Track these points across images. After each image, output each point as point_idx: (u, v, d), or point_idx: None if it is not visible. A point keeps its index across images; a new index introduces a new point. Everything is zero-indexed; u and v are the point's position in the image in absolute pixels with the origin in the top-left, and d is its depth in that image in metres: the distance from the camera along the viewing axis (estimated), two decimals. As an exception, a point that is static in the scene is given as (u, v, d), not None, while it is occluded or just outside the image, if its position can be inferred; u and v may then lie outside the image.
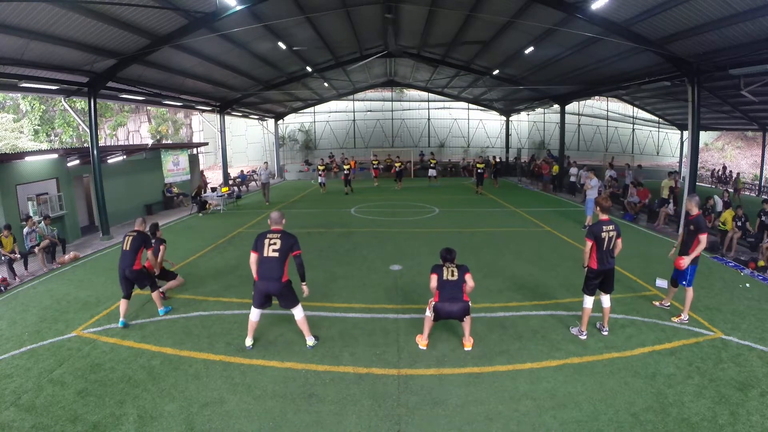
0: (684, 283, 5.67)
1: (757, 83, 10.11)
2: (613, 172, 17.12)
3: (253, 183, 22.62)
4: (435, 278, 4.80)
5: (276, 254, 4.69)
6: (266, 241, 4.75)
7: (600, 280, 5.14)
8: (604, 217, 5.12)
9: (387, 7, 12.68)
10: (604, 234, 4.98)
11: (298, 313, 4.92)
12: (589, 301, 5.13)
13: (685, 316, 5.66)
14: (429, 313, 4.88)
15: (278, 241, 4.73)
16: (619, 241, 5.13)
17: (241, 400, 4.07)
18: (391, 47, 14.90)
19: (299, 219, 13.17)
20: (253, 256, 4.82)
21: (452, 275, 4.75)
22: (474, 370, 4.56)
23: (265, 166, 17.23)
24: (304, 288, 4.92)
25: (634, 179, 14.85)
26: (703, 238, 5.46)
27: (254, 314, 4.92)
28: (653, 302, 6.22)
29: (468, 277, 4.78)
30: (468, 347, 4.96)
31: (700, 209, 5.80)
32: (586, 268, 5.20)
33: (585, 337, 5.15)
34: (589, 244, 5.04)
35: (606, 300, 5.24)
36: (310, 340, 5.03)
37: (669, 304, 6.07)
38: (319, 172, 19.38)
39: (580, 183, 17.30)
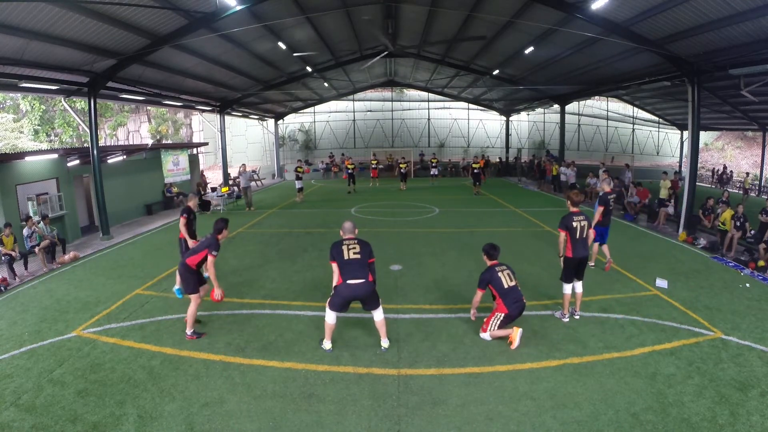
0: (598, 241, 7.67)
1: (757, 83, 10.11)
2: (629, 173, 16.62)
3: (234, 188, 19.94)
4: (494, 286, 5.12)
5: (358, 256, 4.70)
6: (344, 248, 4.74)
7: (576, 268, 5.53)
8: (574, 209, 5.62)
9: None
10: (575, 224, 5.47)
11: (379, 314, 4.91)
12: (568, 288, 5.60)
13: (609, 260, 7.56)
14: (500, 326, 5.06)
15: (357, 246, 4.76)
16: (591, 231, 5.67)
17: (241, 400, 4.07)
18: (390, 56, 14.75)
19: (299, 219, 13.19)
20: (334, 266, 4.80)
21: (510, 280, 5.09)
22: (474, 370, 4.56)
23: (243, 169, 15.53)
24: None
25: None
26: (599, 210, 7.48)
27: (332, 317, 4.89)
28: (605, 268, 7.56)
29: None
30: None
31: (611, 187, 7.70)
32: (562, 258, 5.63)
33: (567, 319, 5.65)
34: (562, 234, 5.51)
35: (579, 286, 5.66)
36: (385, 342, 5.00)
37: (609, 259, 7.54)
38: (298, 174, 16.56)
39: (570, 183, 17.25)
